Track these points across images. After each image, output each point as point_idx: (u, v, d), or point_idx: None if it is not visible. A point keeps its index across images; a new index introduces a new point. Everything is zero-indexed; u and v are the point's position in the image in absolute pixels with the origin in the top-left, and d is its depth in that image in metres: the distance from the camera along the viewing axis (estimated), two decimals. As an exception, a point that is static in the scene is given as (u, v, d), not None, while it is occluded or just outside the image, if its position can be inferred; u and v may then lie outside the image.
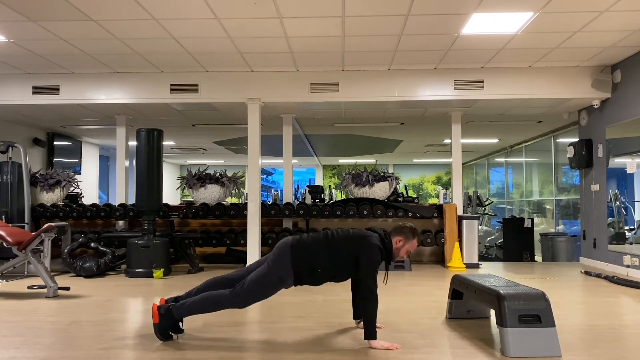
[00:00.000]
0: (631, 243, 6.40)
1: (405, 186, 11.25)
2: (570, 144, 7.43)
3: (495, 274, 3.84)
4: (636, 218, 6.40)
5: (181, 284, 5.52)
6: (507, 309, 2.94)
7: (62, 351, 3.03)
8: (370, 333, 3.06)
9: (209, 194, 7.60)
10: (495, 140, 11.96)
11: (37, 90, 7.03)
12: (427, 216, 7.36)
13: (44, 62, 6.50)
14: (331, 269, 3.17)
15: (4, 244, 4.87)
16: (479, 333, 3.43)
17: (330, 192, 11.14)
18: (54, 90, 7.02)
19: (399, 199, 7.78)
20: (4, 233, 4.82)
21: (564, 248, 8.62)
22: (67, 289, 4.98)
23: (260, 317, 3.92)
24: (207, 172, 7.68)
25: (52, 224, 4.96)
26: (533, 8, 4.81)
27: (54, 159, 9.98)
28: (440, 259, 7.62)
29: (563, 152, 9.92)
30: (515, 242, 8.97)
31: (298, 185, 11.47)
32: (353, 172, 7.61)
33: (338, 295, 4.79)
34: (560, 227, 10.32)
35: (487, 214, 12.64)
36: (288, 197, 7.96)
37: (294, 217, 7.53)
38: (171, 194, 16.67)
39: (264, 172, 18.71)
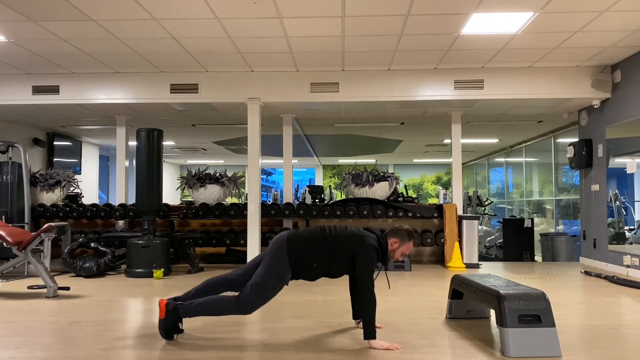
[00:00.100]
0: (631, 243, 6.40)
1: (405, 186, 11.25)
2: (570, 144, 7.43)
3: (495, 274, 3.84)
4: (636, 218, 6.40)
5: (181, 284, 5.52)
6: (507, 309, 2.94)
7: (62, 351, 3.03)
8: (370, 333, 3.06)
9: (209, 194, 7.60)
10: (495, 140, 11.96)
11: (37, 90, 7.03)
12: (427, 216, 7.36)
13: (44, 62, 6.50)
14: (327, 264, 3.18)
15: (4, 244, 4.87)
16: (479, 333, 3.43)
17: (330, 192, 11.14)
18: (54, 90, 7.02)
19: (399, 199, 7.78)
20: (4, 233, 4.82)
21: (564, 248, 8.62)
22: (67, 289, 4.98)
23: (260, 317, 3.92)
24: (207, 172, 7.68)
25: (52, 224, 4.96)
26: (533, 8, 4.81)
27: (54, 159, 9.98)
28: (440, 259, 7.62)
29: (563, 152, 9.92)
30: (515, 242, 8.97)
31: (298, 185, 11.47)
32: (353, 172, 7.61)
33: (338, 295, 4.79)
34: (560, 227, 10.32)
35: (487, 214, 12.64)
36: (288, 197, 7.96)
37: (294, 217, 7.53)
38: (171, 194, 16.67)
39: (264, 172, 18.71)
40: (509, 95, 6.80)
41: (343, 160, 17.16)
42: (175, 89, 6.98)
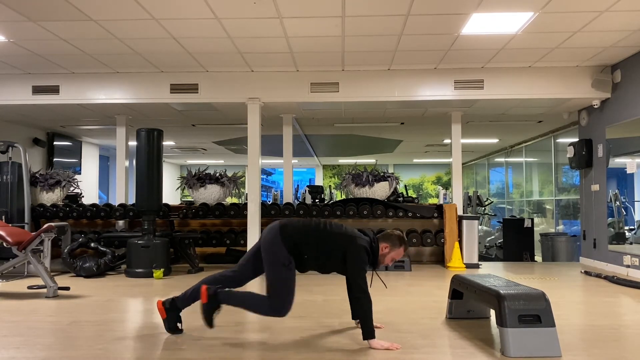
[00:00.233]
0: (631, 243, 6.40)
1: (405, 186, 11.25)
2: (570, 144, 7.43)
3: (495, 274, 3.84)
4: (636, 218, 6.40)
5: (181, 284, 5.52)
6: (507, 309, 2.94)
7: (62, 351, 3.03)
8: (368, 333, 3.06)
9: (209, 194, 7.60)
10: (495, 140, 11.96)
11: (37, 90, 7.03)
12: (427, 216, 7.36)
13: (44, 62, 6.50)
14: (318, 258, 3.19)
15: (4, 244, 4.87)
16: (479, 333, 3.43)
17: (330, 192, 11.15)
18: (54, 90, 7.02)
19: (399, 199, 7.78)
20: (4, 233, 4.82)
21: (564, 248, 8.62)
22: (67, 289, 4.98)
23: (260, 317, 3.91)
24: (207, 172, 7.68)
25: (52, 224, 4.96)
26: (533, 8, 4.81)
27: (54, 159, 9.98)
28: (440, 259, 7.62)
29: (563, 152, 9.92)
30: (515, 242, 8.96)
31: (298, 185, 11.48)
32: (353, 172, 7.61)
33: (338, 295, 4.79)
34: (560, 227, 10.32)
35: (487, 214, 12.64)
36: (288, 197, 7.96)
37: (294, 217, 7.53)
38: (171, 194, 16.68)
39: (264, 172, 18.71)
40: (509, 95, 6.80)
41: (343, 160, 17.16)
42: (175, 89, 6.98)
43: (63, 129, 9.81)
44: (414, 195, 13.33)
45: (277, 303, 3.13)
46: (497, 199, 14.58)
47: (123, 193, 7.86)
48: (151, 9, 4.82)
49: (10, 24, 5.19)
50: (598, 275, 6.07)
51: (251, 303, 3.20)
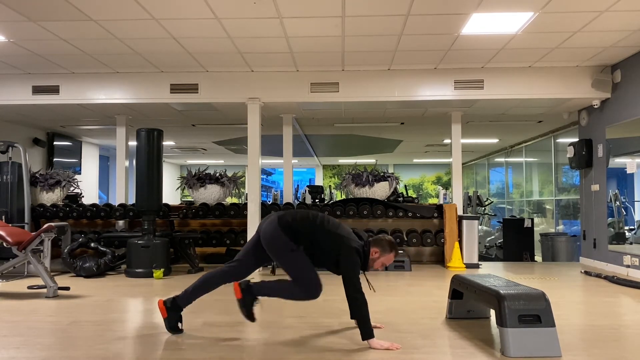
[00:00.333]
0: (631, 243, 6.40)
1: (405, 186, 11.26)
2: (570, 144, 7.43)
3: (495, 274, 3.84)
4: (636, 218, 6.40)
5: (181, 284, 5.52)
6: (507, 309, 2.94)
7: (62, 351, 3.03)
8: (367, 333, 3.06)
9: (209, 194, 7.60)
10: (495, 140, 11.96)
11: (37, 90, 7.03)
12: (427, 216, 7.36)
13: (44, 62, 6.50)
14: (309, 248, 3.22)
15: (4, 244, 4.87)
16: (479, 333, 3.43)
17: (330, 192, 11.15)
18: (54, 90, 7.02)
19: (399, 199, 7.78)
20: (4, 233, 4.82)
21: (564, 248, 8.62)
22: (67, 289, 4.98)
23: (260, 317, 3.91)
24: (207, 172, 7.68)
25: (52, 224, 4.96)
26: (533, 8, 4.81)
27: (54, 159, 9.98)
28: (440, 259, 7.62)
29: (563, 152, 9.93)
30: (515, 242, 8.97)
31: (298, 185, 11.47)
32: (353, 172, 7.61)
33: (338, 295, 4.79)
34: (560, 227, 10.32)
35: (487, 214, 12.64)
36: (288, 197, 7.96)
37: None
38: (171, 194, 16.68)
39: (264, 172, 18.71)
40: (509, 95, 6.80)
41: (343, 160, 17.16)
42: (175, 89, 6.98)
43: (63, 129, 9.81)
44: (414, 195, 13.34)
45: (305, 286, 3.19)
46: (497, 199, 14.59)
47: (123, 193, 7.86)
48: (151, 9, 4.82)
49: (10, 24, 5.19)
50: (598, 275, 6.07)
51: (284, 291, 3.25)
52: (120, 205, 7.57)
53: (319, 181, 18.19)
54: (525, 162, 12.35)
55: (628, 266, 6.22)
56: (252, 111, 6.99)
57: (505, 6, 4.76)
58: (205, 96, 6.99)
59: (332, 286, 5.28)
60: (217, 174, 7.70)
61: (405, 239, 7.18)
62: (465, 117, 8.30)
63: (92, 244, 6.47)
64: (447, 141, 11.74)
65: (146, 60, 6.45)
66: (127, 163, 7.96)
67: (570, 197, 9.92)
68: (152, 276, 6.04)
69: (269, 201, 12.31)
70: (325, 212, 7.22)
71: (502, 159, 14.07)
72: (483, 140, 11.85)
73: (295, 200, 8.90)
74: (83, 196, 9.20)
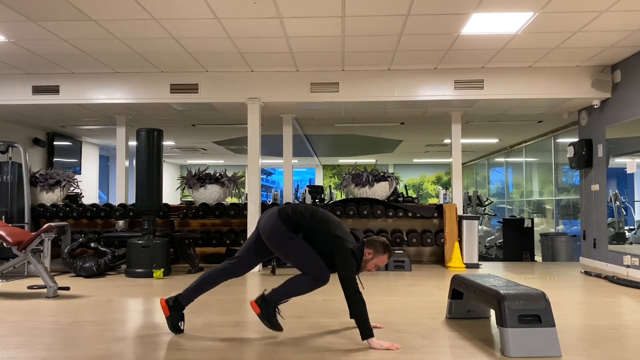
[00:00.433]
0: (631, 243, 6.40)
1: (405, 186, 11.26)
2: (570, 144, 7.43)
3: (495, 274, 3.84)
4: (636, 218, 6.40)
5: (181, 284, 5.52)
6: (507, 309, 2.94)
7: (62, 351, 3.03)
8: (366, 332, 3.06)
9: (209, 194, 7.60)
10: (495, 140, 11.96)
11: (37, 90, 7.03)
12: (427, 216, 7.36)
13: (44, 62, 6.50)
14: (306, 239, 3.23)
15: (4, 244, 4.87)
16: (479, 333, 3.43)
17: (330, 192, 11.15)
18: (54, 90, 7.02)
19: (399, 199, 7.78)
20: (4, 233, 4.82)
21: (564, 248, 8.62)
22: (67, 289, 4.98)
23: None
24: (207, 172, 7.69)
25: (52, 224, 4.96)
26: (533, 8, 4.81)
27: (54, 159, 9.98)
28: (440, 259, 7.62)
29: (563, 152, 9.93)
30: (515, 242, 8.97)
31: (298, 185, 11.47)
32: (353, 172, 7.61)
33: (338, 295, 4.79)
34: (560, 227, 10.32)
35: (487, 214, 12.64)
36: (288, 197, 7.96)
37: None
38: (171, 194, 16.68)
39: (264, 172, 18.71)
40: (509, 95, 6.80)
41: (343, 160, 17.17)
42: (175, 89, 6.98)
43: (63, 129, 9.81)
44: (414, 195, 13.34)
45: (312, 273, 3.21)
46: (497, 199, 14.59)
47: (123, 193, 7.86)
48: (151, 9, 4.82)
49: (10, 24, 5.19)
50: (598, 275, 6.07)
51: (296, 287, 3.26)
52: (120, 205, 7.57)
53: (319, 181, 18.20)
54: (525, 162, 12.35)
55: (628, 266, 6.22)
56: (252, 111, 6.99)
57: (505, 6, 4.76)
58: (205, 96, 6.99)
59: (332, 286, 5.27)
60: (217, 174, 7.70)
61: (405, 239, 7.18)
62: (465, 117, 8.31)
63: (92, 244, 6.47)
64: (447, 141, 11.74)
65: (146, 60, 6.45)
66: (127, 163, 7.97)
67: (570, 197, 9.93)
68: (152, 276, 6.04)
69: (269, 201, 12.31)
70: (325, 212, 7.24)
71: (502, 159, 14.08)
72: (483, 140, 11.85)
73: (295, 200, 8.90)
74: (83, 196, 9.20)
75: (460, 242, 7.10)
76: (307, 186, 8.71)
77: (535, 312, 2.95)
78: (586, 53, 6.17)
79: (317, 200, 8.31)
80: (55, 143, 10.04)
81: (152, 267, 6.07)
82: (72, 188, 8.07)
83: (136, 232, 6.83)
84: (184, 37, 5.58)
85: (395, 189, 7.72)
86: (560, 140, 10.27)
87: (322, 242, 3.21)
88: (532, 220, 9.18)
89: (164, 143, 11.92)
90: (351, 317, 3.19)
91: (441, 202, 9.26)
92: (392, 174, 7.67)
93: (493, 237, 11.00)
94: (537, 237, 9.14)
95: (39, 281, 5.51)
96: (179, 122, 9.02)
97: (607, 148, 6.72)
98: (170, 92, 6.98)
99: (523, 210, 12.52)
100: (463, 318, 3.84)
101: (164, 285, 5.56)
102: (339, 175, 17.49)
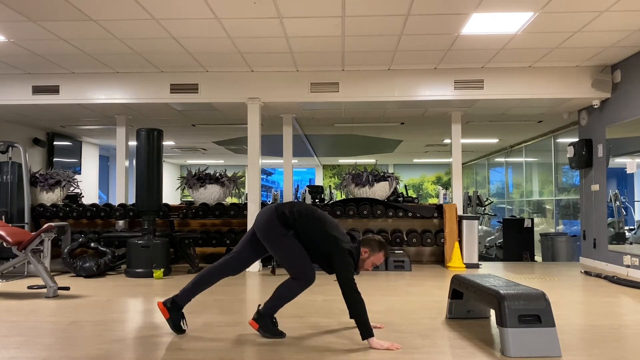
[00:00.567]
0: (631, 243, 6.40)
1: (405, 186, 11.26)
2: (570, 144, 7.43)
3: (495, 274, 3.84)
4: (636, 218, 6.40)
5: (181, 284, 5.51)
6: (507, 309, 2.94)
7: (62, 351, 3.03)
8: (366, 332, 3.06)
9: (209, 194, 7.60)
10: (495, 140, 11.96)
11: (37, 90, 7.03)
12: (427, 216, 7.36)
13: (44, 62, 6.50)
14: (304, 242, 3.25)
15: (4, 244, 4.87)
16: (479, 333, 3.43)
17: (330, 192, 11.14)
18: (54, 90, 7.02)
19: (399, 199, 7.78)
20: (4, 233, 4.82)
21: (564, 248, 8.62)
22: (67, 289, 4.98)
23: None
24: (207, 172, 7.68)
25: (52, 224, 4.96)
26: (533, 8, 4.81)
27: (54, 159, 9.98)
28: (440, 259, 7.62)
29: (563, 152, 9.93)
30: (515, 242, 8.97)
31: (298, 185, 11.47)
32: (353, 172, 7.61)
33: (338, 295, 4.78)
34: (560, 227, 10.32)
35: (487, 214, 12.64)
36: (288, 197, 7.96)
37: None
38: (171, 194, 16.68)
39: (264, 172, 18.71)
40: (509, 95, 6.80)
41: (343, 160, 17.17)
42: (175, 89, 6.98)
43: (63, 129, 9.81)
44: (414, 195, 13.33)
45: (299, 274, 3.24)
46: (497, 199, 14.59)
47: (123, 193, 7.86)
48: (151, 9, 4.82)
49: (10, 24, 5.19)
50: (598, 275, 6.07)
51: (288, 294, 3.29)
52: (120, 205, 7.57)
53: (319, 181, 18.20)
54: (525, 162, 12.35)
55: (628, 266, 6.22)
56: (252, 111, 6.99)
57: (505, 6, 4.76)
58: (205, 96, 6.99)
59: (332, 286, 5.28)
60: (217, 174, 7.70)
61: (405, 239, 7.18)
62: (465, 117, 8.31)
63: (92, 244, 6.47)
64: (447, 141, 11.74)
65: (146, 60, 6.45)
66: (127, 163, 7.97)
67: (570, 197, 9.93)
68: (152, 276, 6.04)
69: (269, 201, 12.31)
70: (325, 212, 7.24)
71: (502, 159, 14.07)
72: (483, 140, 11.85)
73: (295, 200, 8.90)
74: (83, 196, 9.20)
75: (460, 242, 7.10)
76: (307, 186, 8.71)
77: (535, 312, 2.95)
78: (586, 53, 6.17)
79: (317, 200, 8.31)
80: (55, 143, 10.04)
81: (152, 267, 6.07)
82: (72, 188, 8.07)
83: (136, 232, 6.83)
84: (184, 37, 5.58)
85: (395, 189, 7.72)
86: (560, 140, 10.27)
87: (320, 243, 3.22)
88: (532, 220, 9.18)
89: (164, 143, 11.92)
90: (351, 317, 3.19)
91: (441, 202, 9.25)
92: (392, 174, 7.67)
93: (493, 237, 11.00)
94: (537, 237, 9.14)
95: (39, 281, 5.51)
96: (179, 122, 9.02)
97: (607, 148, 6.72)
98: (170, 92, 6.98)
99: (523, 210, 12.52)
100: (463, 318, 3.84)
101: (163, 285, 5.55)
102: (339, 175, 17.49)
